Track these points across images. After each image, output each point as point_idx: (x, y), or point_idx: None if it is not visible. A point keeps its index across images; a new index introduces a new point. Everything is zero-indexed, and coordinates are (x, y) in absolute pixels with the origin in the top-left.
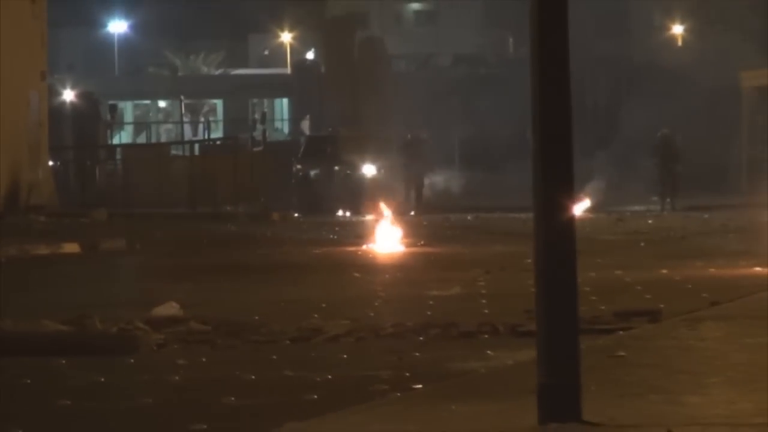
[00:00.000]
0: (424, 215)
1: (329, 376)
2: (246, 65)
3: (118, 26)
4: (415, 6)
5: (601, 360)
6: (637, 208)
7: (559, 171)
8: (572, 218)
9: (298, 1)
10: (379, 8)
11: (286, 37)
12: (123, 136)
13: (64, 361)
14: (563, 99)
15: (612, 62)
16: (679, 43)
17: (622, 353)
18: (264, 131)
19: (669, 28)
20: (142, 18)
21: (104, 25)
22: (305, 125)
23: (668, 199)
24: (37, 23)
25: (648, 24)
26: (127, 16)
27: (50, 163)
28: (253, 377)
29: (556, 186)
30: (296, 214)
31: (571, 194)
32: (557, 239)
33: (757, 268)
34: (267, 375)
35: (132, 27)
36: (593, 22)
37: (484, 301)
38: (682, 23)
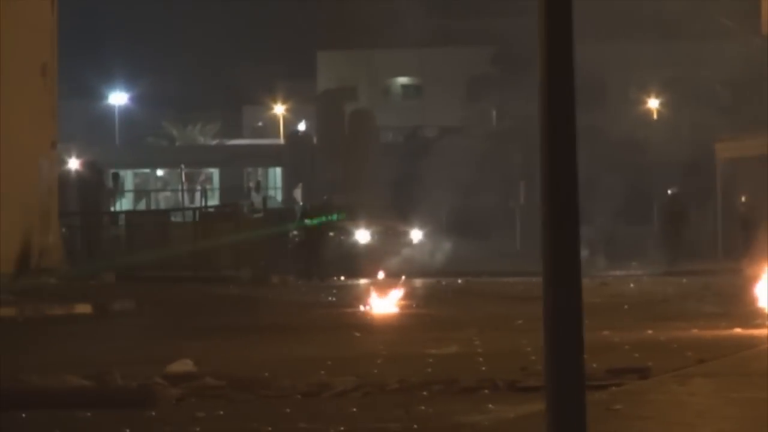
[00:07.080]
0: (416, 279)
1: (342, 428)
2: (240, 135)
3: (118, 98)
4: (402, 80)
5: (600, 413)
6: (618, 273)
7: (566, 238)
8: (579, 282)
9: (291, 76)
10: (368, 82)
11: (279, 109)
12: (124, 203)
13: (89, 414)
14: (571, 170)
15: (589, 134)
16: (655, 116)
17: (619, 406)
18: (264, 198)
19: (645, 102)
20: (141, 90)
21: (105, 97)
22: (297, 193)
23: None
24: (48, 96)
25: (624, 98)
26: (127, 88)
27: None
28: (270, 429)
29: (564, 252)
30: (294, 278)
31: (577, 260)
32: (565, 301)
33: (737, 329)
34: (283, 427)
35: (132, 99)
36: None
37: (480, 359)
38: (657, 97)
